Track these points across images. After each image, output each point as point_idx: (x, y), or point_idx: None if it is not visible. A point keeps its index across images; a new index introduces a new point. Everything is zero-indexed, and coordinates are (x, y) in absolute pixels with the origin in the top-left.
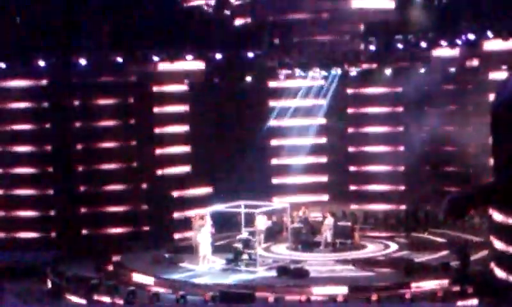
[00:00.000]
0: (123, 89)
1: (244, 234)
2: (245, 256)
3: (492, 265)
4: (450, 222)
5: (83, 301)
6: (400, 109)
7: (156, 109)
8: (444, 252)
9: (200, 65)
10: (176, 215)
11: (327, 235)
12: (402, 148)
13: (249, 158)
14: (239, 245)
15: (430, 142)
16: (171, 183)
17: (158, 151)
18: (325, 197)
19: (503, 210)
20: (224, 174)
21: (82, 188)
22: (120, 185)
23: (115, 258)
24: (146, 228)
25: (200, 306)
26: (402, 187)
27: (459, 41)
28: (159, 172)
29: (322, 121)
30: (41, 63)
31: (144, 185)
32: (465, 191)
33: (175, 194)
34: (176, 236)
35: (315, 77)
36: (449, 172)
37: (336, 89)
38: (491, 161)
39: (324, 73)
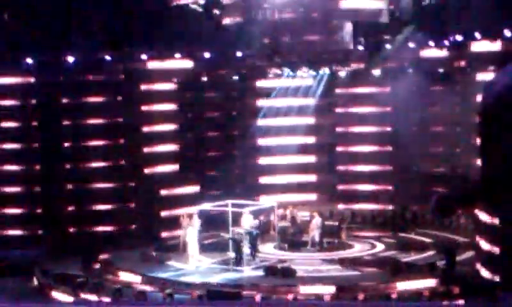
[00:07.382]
0: (111, 88)
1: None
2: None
3: (478, 265)
4: (437, 223)
5: (69, 299)
6: (389, 108)
7: (144, 108)
8: (431, 253)
9: (188, 64)
10: (163, 213)
11: (314, 234)
12: (390, 148)
13: (237, 158)
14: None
15: (418, 142)
16: (159, 181)
17: (146, 149)
18: (313, 197)
19: (489, 210)
20: (212, 173)
21: (69, 186)
22: (107, 183)
23: (102, 256)
24: (134, 226)
25: (187, 304)
26: (390, 187)
27: (447, 42)
28: (147, 170)
29: (310, 120)
30: (30, 61)
31: (131, 183)
32: (453, 190)
33: (163, 192)
34: (164, 234)
35: (304, 76)
36: (437, 172)
37: (324, 88)
38: (478, 161)
39: (312, 72)
